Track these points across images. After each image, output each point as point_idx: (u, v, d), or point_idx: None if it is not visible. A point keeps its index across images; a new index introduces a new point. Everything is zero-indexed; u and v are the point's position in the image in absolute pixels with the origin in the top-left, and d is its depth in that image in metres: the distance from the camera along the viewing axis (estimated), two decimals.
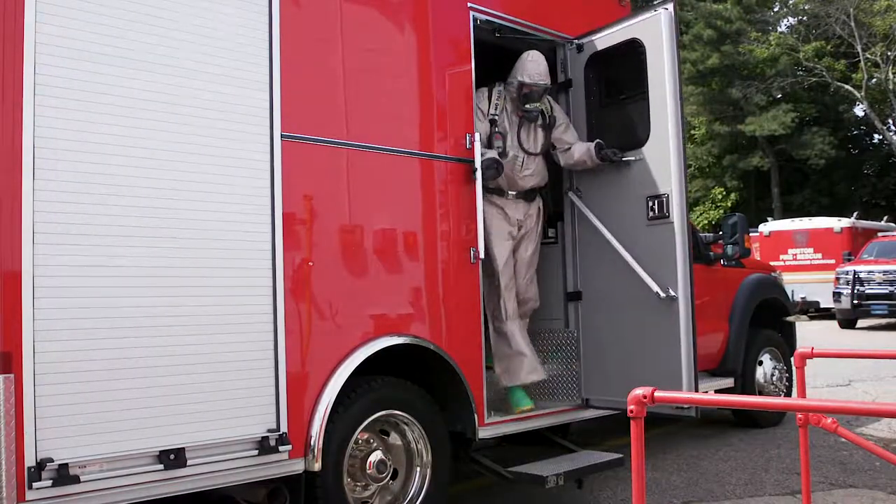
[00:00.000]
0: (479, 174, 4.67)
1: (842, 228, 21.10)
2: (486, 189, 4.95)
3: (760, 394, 7.17)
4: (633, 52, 5.09)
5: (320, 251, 3.94)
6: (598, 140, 5.20)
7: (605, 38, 5.29)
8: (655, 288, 4.77)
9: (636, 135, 5.12)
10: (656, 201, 4.89)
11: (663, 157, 4.87)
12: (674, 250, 4.78)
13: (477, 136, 4.72)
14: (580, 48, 5.41)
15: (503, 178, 5.18)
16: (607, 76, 5.46)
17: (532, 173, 5.33)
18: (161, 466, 3.29)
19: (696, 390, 4.82)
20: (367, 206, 4.17)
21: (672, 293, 4.73)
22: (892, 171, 36.10)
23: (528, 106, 5.23)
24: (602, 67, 5.42)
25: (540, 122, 5.32)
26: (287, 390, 3.73)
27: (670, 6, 4.86)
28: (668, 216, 4.82)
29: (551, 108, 5.40)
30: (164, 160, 3.43)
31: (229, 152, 3.63)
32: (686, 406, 4.83)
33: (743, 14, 34.23)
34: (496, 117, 5.20)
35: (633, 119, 5.18)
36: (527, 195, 5.35)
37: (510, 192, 5.27)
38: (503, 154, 5.14)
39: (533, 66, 5.16)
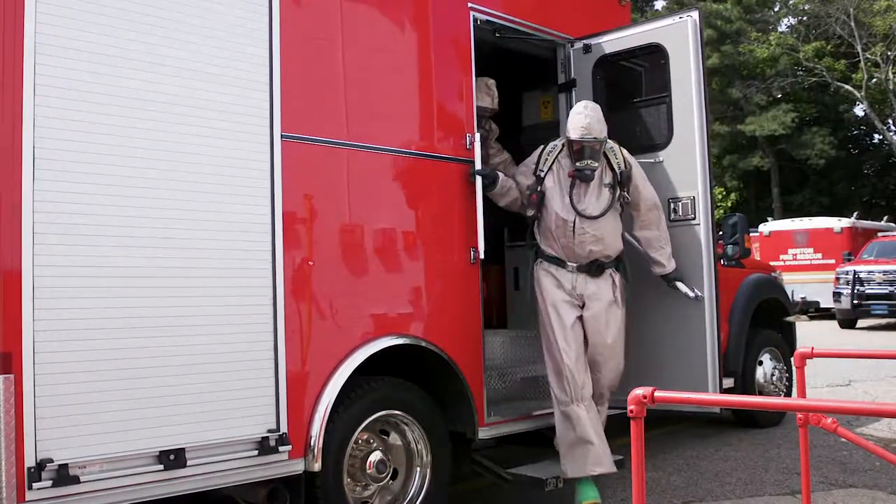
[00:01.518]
0: (478, 179, 4.65)
1: (842, 228, 21.11)
2: (544, 257, 4.78)
3: (760, 394, 7.16)
4: (651, 56, 5.11)
5: (320, 251, 3.94)
6: (676, 274, 4.80)
7: (619, 41, 5.27)
8: (685, 289, 4.80)
9: (651, 138, 5.16)
10: (680, 203, 4.94)
11: (688, 160, 4.91)
12: (700, 252, 4.86)
13: (477, 136, 4.70)
14: (587, 48, 5.39)
15: (559, 248, 4.71)
16: (618, 78, 5.45)
17: (592, 239, 4.65)
18: (161, 467, 3.29)
19: (721, 390, 4.88)
20: (366, 206, 4.16)
21: (699, 294, 4.79)
22: (892, 171, 36.12)
23: (579, 164, 4.66)
24: (612, 69, 5.40)
25: (608, 180, 4.74)
26: (287, 390, 3.72)
27: (695, 14, 4.94)
28: (695, 218, 4.89)
29: (625, 162, 4.78)
30: (163, 160, 3.43)
31: (229, 152, 3.63)
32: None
33: (743, 14, 34.27)
34: (542, 173, 4.77)
35: (648, 122, 5.21)
36: (591, 269, 4.68)
37: (570, 264, 4.70)
38: (539, 216, 4.76)
39: (579, 120, 4.62)
